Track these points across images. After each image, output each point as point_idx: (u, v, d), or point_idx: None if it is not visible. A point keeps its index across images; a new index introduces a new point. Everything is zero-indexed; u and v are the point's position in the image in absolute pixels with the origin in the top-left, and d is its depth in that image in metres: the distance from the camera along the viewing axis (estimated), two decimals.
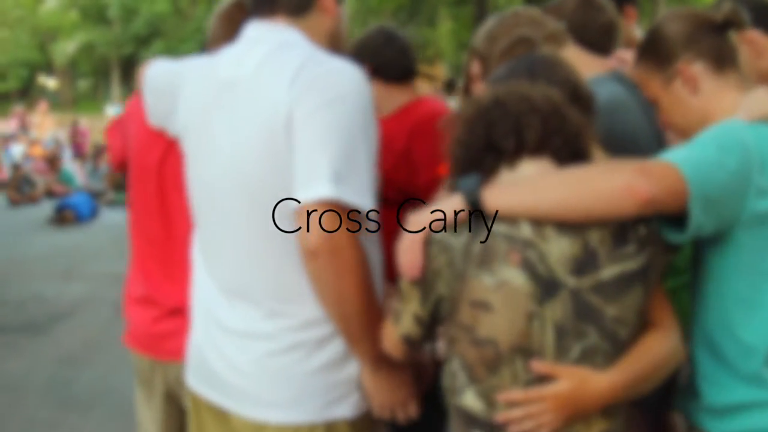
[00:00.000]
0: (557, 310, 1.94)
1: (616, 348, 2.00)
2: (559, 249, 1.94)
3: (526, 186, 1.96)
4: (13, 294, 9.95)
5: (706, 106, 2.32)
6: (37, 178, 19.96)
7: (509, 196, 1.94)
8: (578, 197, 1.91)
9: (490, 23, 2.91)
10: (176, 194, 2.80)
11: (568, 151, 2.03)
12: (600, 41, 3.16)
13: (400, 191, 3.71)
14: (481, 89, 4.11)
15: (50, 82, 50.67)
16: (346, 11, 2.59)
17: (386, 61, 3.76)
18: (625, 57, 2.96)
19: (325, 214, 2.12)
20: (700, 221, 1.97)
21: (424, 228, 1.98)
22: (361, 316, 2.21)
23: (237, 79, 2.33)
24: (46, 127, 31.87)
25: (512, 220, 1.94)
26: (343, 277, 2.15)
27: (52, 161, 20.92)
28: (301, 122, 2.17)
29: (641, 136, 2.78)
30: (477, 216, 1.95)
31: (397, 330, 2.13)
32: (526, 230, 1.94)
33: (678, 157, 1.99)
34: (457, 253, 1.96)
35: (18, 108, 33.28)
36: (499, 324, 1.94)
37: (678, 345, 2.09)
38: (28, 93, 53.83)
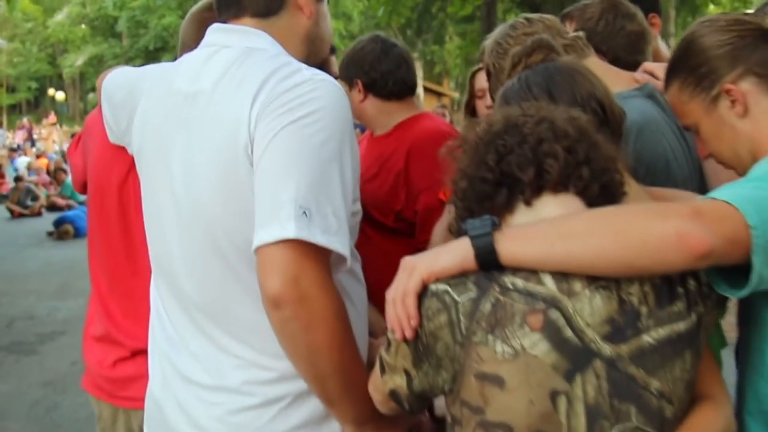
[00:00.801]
0: (589, 386, 1.55)
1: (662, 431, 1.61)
2: (591, 308, 1.56)
3: (550, 231, 1.58)
4: (3, 311, 9.68)
5: (758, 132, 1.95)
6: (39, 190, 19.73)
7: (529, 244, 1.57)
8: (618, 248, 1.54)
9: (498, 31, 2.60)
10: (141, 221, 2.46)
11: (598, 185, 1.68)
12: (627, 53, 2.80)
13: (398, 217, 3.43)
14: (486, 107, 3.87)
15: (59, 95, 50.79)
16: (327, 10, 2.28)
17: (383, 74, 3.47)
18: (652, 69, 2.61)
19: (289, 256, 1.81)
20: (763, 273, 1.60)
21: (421, 276, 1.63)
22: (337, 375, 1.89)
23: (195, 93, 2.03)
24: (53, 139, 31.78)
25: (531, 271, 1.58)
26: (314, 331, 1.84)
27: (56, 174, 20.69)
28: (264, 146, 1.87)
29: (675, 162, 2.43)
30: (488, 267, 1.60)
31: (384, 384, 1.79)
32: (549, 284, 1.57)
33: (735, 196, 1.61)
34: (462, 311, 1.58)
35: (25, 120, 33.20)
36: (514, 404, 1.55)
37: (731, 422, 1.73)
38: (37, 105, 54.09)
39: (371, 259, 3.44)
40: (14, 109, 49.95)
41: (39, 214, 19.03)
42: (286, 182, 1.83)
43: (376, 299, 3.48)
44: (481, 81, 3.81)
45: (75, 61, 47.61)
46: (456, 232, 1.77)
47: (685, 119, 2.09)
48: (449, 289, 1.60)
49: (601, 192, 1.68)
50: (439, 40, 32.61)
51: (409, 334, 1.63)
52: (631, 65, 2.77)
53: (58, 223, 15.65)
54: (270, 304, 1.82)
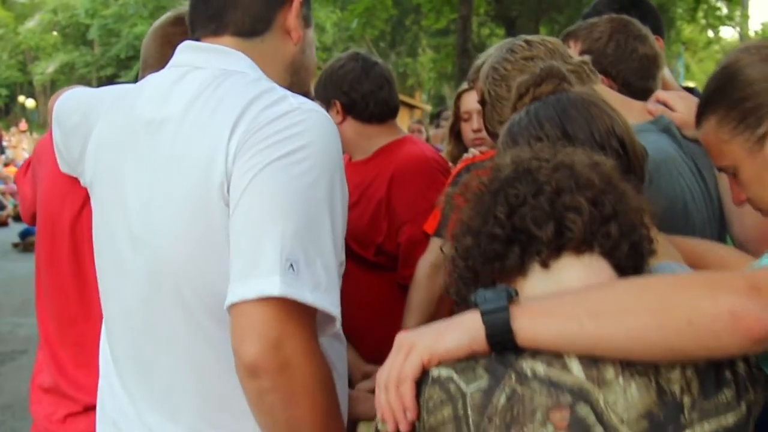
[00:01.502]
0: None
1: None
2: (625, 401, 1.30)
3: (578, 307, 1.31)
4: None
5: None
6: (7, 200, 19.34)
7: (553, 323, 1.31)
8: (659, 329, 1.28)
9: (495, 55, 2.36)
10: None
11: (627, 244, 1.44)
12: (639, 78, 2.57)
13: (379, 250, 3.21)
14: (472, 130, 3.64)
15: (29, 102, 50.36)
16: (314, 38, 2.05)
17: (363, 95, 3.25)
18: (666, 99, 2.36)
19: (271, 316, 1.56)
20: None
21: (421, 358, 1.37)
22: None
23: (161, 120, 1.78)
24: (22, 147, 31.35)
25: (555, 354, 1.32)
26: (295, 404, 1.59)
27: None
28: (244, 185, 1.62)
29: (694, 204, 2.21)
30: (503, 348, 1.34)
31: None
32: (576, 371, 1.31)
33: None
34: (471, 404, 1.32)
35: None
36: None
37: None
38: (8, 112, 53.75)
39: (349, 296, 3.18)
40: None
41: (5, 224, 18.65)
42: (269, 229, 1.58)
43: (354, 340, 3.28)
44: (467, 103, 3.59)
45: (46, 69, 47.23)
46: (456, 295, 1.52)
47: (722, 160, 1.87)
48: (455, 376, 1.34)
49: (630, 251, 1.44)
50: (412, 53, 32.52)
51: (404, 428, 1.36)
52: (642, 92, 2.55)
53: (24, 235, 15.27)
54: (246, 372, 1.57)
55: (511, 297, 1.33)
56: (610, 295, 1.32)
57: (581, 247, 1.41)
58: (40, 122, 50.65)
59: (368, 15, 22.36)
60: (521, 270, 1.43)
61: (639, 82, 2.56)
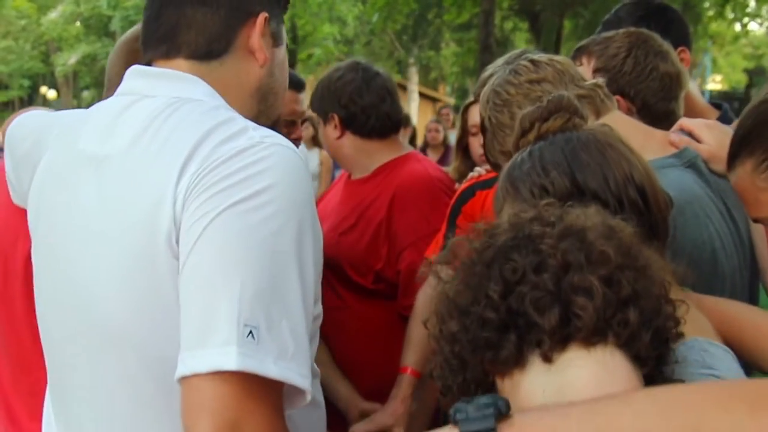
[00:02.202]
0: None
1: None
2: None
3: (583, 426, 1.02)
4: None
5: None
6: None
7: None
8: None
9: (497, 77, 2.10)
10: None
11: (649, 332, 1.17)
12: (659, 99, 2.32)
13: (378, 277, 2.98)
14: (480, 145, 3.38)
15: (51, 93, 50.49)
16: (286, 56, 1.80)
17: (363, 108, 3.02)
18: (692, 127, 2.09)
19: (227, 393, 1.33)
20: None
21: None
22: None
23: (104, 156, 1.55)
24: None
25: None
26: None
27: None
28: (196, 236, 1.39)
29: (723, 250, 1.94)
30: None
31: None
32: None
33: None
34: None
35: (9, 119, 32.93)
36: None
37: None
38: (30, 103, 54.10)
39: (346, 326, 3.00)
40: (7, 107, 49.84)
41: None
42: (224, 288, 1.35)
43: (351, 373, 3.04)
44: (474, 116, 3.35)
45: (68, 60, 47.20)
46: (439, 380, 1.28)
47: (758, 210, 1.63)
48: None
49: (653, 339, 1.17)
50: (435, 47, 32.23)
51: None
52: (663, 114, 2.30)
53: None
54: None
55: (500, 414, 1.03)
56: (626, 415, 1.02)
57: (592, 338, 1.14)
58: None
59: (389, 9, 22.08)
60: (518, 362, 1.16)
61: (660, 104, 2.31)
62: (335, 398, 2.92)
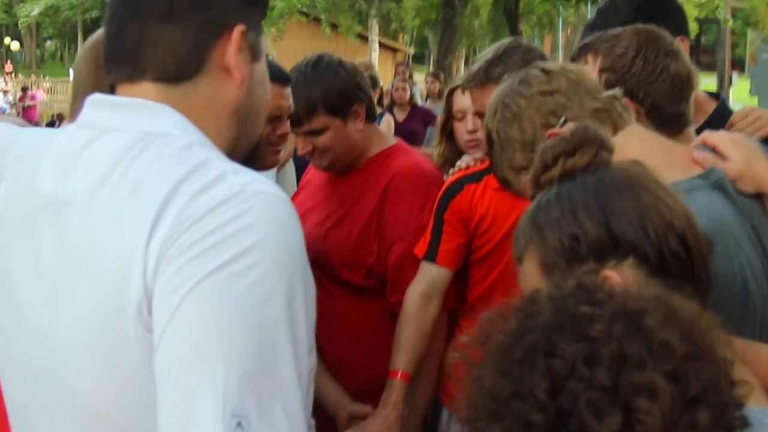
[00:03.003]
0: None
1: None
2: None
3: None
4: None
5: None
6: None
7: None
8: None
9: (506, 86, 1.96)
10: None
11: (720, 430, 1.03)
12: (670, 102, 2.18)
13: (369, 273, 2.87)
14: (467, 131, 3.26)
15: (14, 45, 49.80)
16: (266, 70, 1.63)
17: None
18: (716, 143, 1.92)
19: None
20: None
21: None
22: None
23: (63, 202, 1.37)
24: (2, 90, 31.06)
25: None
26: None
27: None
28: (171, 310, 1.22)
29: (753, 280, 1.81)
30: None
31: None
32: None
33: None
34: None
35: None
36: None
37: None
38: None
39: (334, 324, 2.88)
40: None
41: None
42: (208, 372, 1.19)
43: (340, 373, 2.91)
44: (460, 100, 3.20)
45: (31, 11, 46.35)
46: None
47: None
48: None
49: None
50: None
51: None
52: (672, 117, 2.18)
53: None
54: None
55: None
56: None
57: None
58: (25, 64, 50.50)
59: None
60: None
61: (670, 106, 2.18)
62: (323, 401, 2.82)
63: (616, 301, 1.08)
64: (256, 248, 1.23)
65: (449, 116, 3.34)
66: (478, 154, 2.89)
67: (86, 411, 1.34)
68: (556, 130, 1.85)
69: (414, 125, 9.23)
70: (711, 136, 1.93)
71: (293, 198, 3.15)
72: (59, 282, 1.34)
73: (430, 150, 3.65)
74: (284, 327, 1.24)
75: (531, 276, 1.43)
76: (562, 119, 1.87)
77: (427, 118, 9.27)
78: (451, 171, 2.94)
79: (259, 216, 1.26)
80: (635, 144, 1.85)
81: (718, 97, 2.72)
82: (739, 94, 28.24)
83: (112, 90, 1.48)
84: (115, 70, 1.46)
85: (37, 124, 20.48)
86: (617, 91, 1.94)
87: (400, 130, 8.76)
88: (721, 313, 1.47)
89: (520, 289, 1.48)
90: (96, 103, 1.45)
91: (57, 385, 1.36)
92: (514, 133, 1.91)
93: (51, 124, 20.94)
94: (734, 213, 1.81)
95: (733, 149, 1.86)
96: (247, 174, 1.31)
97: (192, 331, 1.20)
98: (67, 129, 1.50)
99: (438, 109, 10.03)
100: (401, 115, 9.48)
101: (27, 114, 23.34)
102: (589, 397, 0.99)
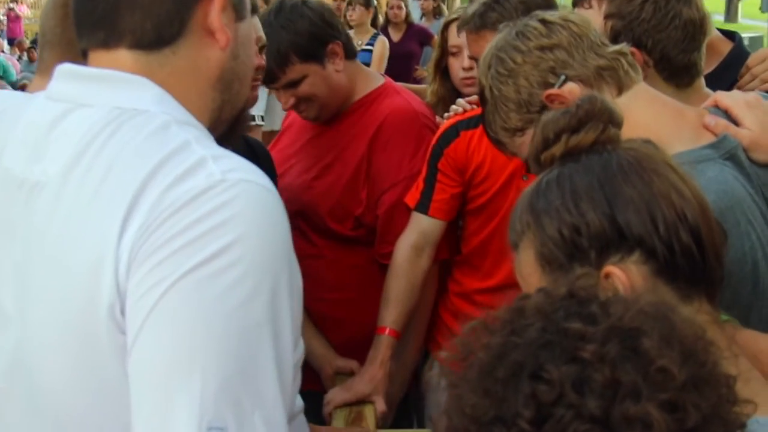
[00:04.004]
0: None
1: None
2: None
3: None
4: None
5: None
6: None
7: None
8: None
9: (501, 39, 1.81)
10: None
11: None
12: (681, 51, 2.06)
13: (358, 223, 2.76)
14: (463, 68, 3.09)
15: None
16: (251, 28, 1.48)
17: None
18: (729, 106, 1.77)
19: None
20: None
21: None
22: None
23: (33, 184, 1.26)
24: None
25: None
26: None
27: None
28: (143, 315, 1.13)
29: (764, 259, 1.68)
30: None
31: None
32: None
33: None
34: None
35: None
36: None
37: None
38: None
39: (320, 276, 2.77)
40: None
41: None
42: (183, 381, 1.11)
43: (326, 327, 2.80)
44: (455, 36, 3.03)
45: None
46: None
47: None
48: None
49: None
50: None
51: None
52: (683, 68, 2.07)
53: None
54: None
55: None
56: None
57: None
58: None
59: None
60: None
61: (681, 56, 2.05)
62: (308, 355, 2.70)
63: (611, 316, 0.96)
64: (237, 244, 1.14)
65: (443, 52, 3.17)
66: (475, 97, 2.73)
67: (58, 412, 1.26)
68: (554, 90, 1.74)
69: (410, 45, 9.00)
70: (725, 97, 1.79)
71: (276, 142, 3.01)
72: (31, 274, 1.25)
73: (423, 86, 3.51)
74: (267, 330, 1.16)
75: (527, 266, 1.32)
76: (562, 78, 1.74)
77: (424, 37, 9.05)
78: (446, 115, 2.78)
79: (241, 208, 1.16)
80: (642, 107, 1.73)
81: (734, 37, 2.57)
82: (749, 10, 27.79)
83: (84, 55, 1.37)
84: (88, 34, 1.35)
85: (21, 43, 20.18)
86: (624, 46, 1.79)
87: (396, 50, 8.54)
88: (729, 297, 1.42)
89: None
90: (67, 74, 1.34)
91: (29, 384, 1.27)
92: (509, 92, 1.78)
93: (35, 41, 20.55)
94: (746, 186, 1.68)
95: (747, 114, 1.72)
96: (228, 160, 1.22)
97: (167, 337, 1.13)
98: (36, 99, 1.38)
99: (432, 27, 9.83)
100: (396, 35, 9.17)
101: (12, 31, 22.92)
102: (578, 429, 0.88)
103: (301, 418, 1.48)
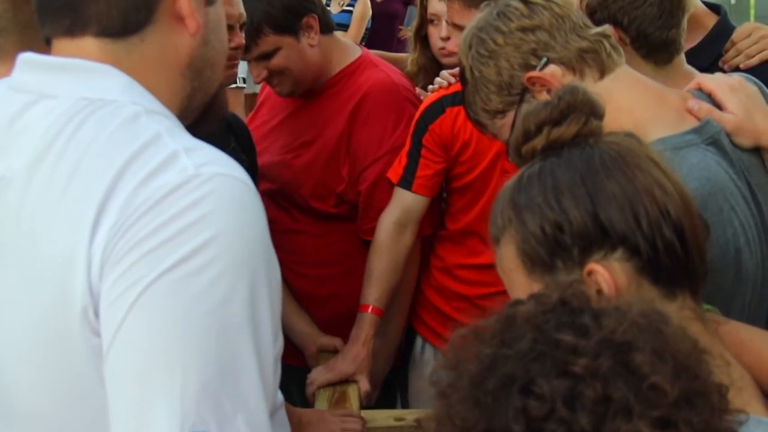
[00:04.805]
0: None
1: None
2: None
3: None
4: None
5: None
6: None
7: None
8: None
9: (482, 20, 1.77)
10: None
11: None
12: (658, 28, 2.02)
13: (340, 200, 2.73)
14: (441, 38, 3.02)
15: None
16: (222, 11, 1.43)
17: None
18: (713, 89, 1.74)
19: None
20: None
21: None
22: None
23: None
24: None
25: None
26: None
27: None
28: (119, 319, 1.09)
29: (747, 246, 1.66)
30: None
31: None
32: None
33: None
34: None
35: None
36: None
37: None
38: None
39: (302, 252, 2.77)
40: None
41: None
42: (162, 385, 1.08)
43: (310, 304, 2.78)
44: (435, 4, 2.97)
45: None
46: None
47: None
48: None
49: None
50: None
51: None
52: (661, 45, 2.04)
53: None
54: None
55: None
56: None
57: None
58: None
59: None
60: None
61: (658, 33, 2.02)
62: (291, 333, 2.70)
63: (603, 328, 0.94)
64: (213, 242, 1.11)
65: (423, 21, 3.11)
66: (458, 70, 2.67)
67: (20, 413, 1.23)
68: (536, 72, 1.70)
69: (393, 5, 8.81)
70: (708, 80, 1.76)
71: (254, 117, 2.95)
72: (5, 276, 1.20)
73: (403, 55, 3.45)
74: (246, 329, 1.13)
75: (508, 262, 1.29)
76: (544, 60, 1.71)
77: None
78: (430, 88, 2.73)
79: (216, 204, 1.13)
80: (624, 90, 1.70)
81: (719, 10, 2.51)
82: None
83: (47, 42, 1.32)
84: (51, 21, 1.30)
85: None
86: (607, 27, 1.76)
87: (379, 10, 8.38)
88: (712, 284, 1.39)
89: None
90: (29, 63, 1.30)
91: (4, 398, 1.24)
92: (490, 74, 1.74)
93: None
94: (729, 171, 1.66)
95: (731, 98, 1.69)
96: (201, 152, 1.18)
97: (143, 340, 1.09)
98: None
99: None
100: None
101: None
102: None
103: (282, 413, 1.44)
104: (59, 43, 1.29)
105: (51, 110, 1.21)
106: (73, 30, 1.26)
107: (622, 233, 1.20)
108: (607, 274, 1.18)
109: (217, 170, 1.15)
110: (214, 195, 1.12)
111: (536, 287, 1.20)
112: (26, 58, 1.30)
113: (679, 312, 1.20)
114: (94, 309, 1.11)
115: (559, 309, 0.98)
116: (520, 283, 1.26)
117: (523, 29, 1.71)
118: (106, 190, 1.11)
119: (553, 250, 1.22)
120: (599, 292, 1.16)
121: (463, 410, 0.94)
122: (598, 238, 1.21)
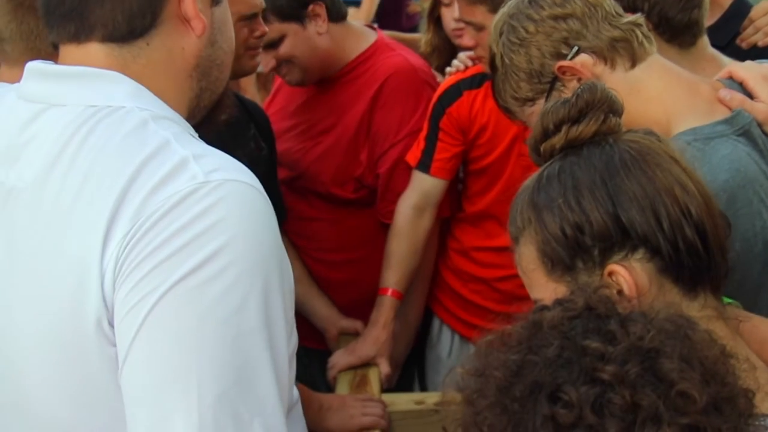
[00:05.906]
0: None
1: None
2: None
3: None
4: None
5: None
6: None
7: None
8: None
9: (513, 6, 1.76)
10: None
11: None
12: (679, 11, 2.01)
13: (359, 185, 2.72)
14: (454, 19, 2.99)
15: None
16: (224, 14, 1.40)
17: None
18: (745, 77, 1.72)
19: None
20: None
21: None
22: None
23: (10, 189, 1.22)
24: None
25: None
26: None
27: None
28: (134, 329, 1.10)
29: None
30: None
31: None
32: None
33: None
34: None
35: None
36: None
37: None
38: None
39: (321, 238, 2.78)
40: None
41: None
42: (180, 394, 1.09)
43: (331, 288, 2.78)
44: None
45: None
46: None
47: None
48: None
49: None
50: None
51: None
52: (684, 27, 2.03)
53: None
54: None
55: None
56: None
57: None
58: None
59: None
60: None
61: (680, 16, 2.01)
62: (312, 317, 2.72)
63: (630, 335, 0.95)
64: (225, 250, 1.12)
65: (436, 2, 3.10)
66: (472, 53, 2.66)
67: (37, 417, 1.24)
68: (567, 62, 1.70)
69: None
70: (740, 69, 1.75)
71: (271, 102, 2.94)
72: (13, 282, 1.21)
73: (416, 36, 3.44)
74: (261, 335, 1.14)
75: (528, 261, 1.30)
76: (575, 49, 1.70)
77: None
78: (447, 70, 2.73)
79: (227, 211, 1.14)
80: (655, 80, 1.69)
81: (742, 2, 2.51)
82: None
83: (55, 47, 1.33)
84: (57, 26, 1.30)
85: None
86: (639, 16, 1.75)
87: None
88: (739, 278, 1.42)
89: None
90: (37, 72, 1.30)
91: (10, 390, 1.25)
92: (520, 61, 1.73)
93: None
94: (760, 162, 1.65)
95: (764, 87, 1.68)
96: (210, 158, 1.18)
97: (159, 350, 1.11)
98: (7, 98, 1.34)
99: None
100: None
101: None
102: None
103: (298, 410, 1.46)
104: (66, 50, 1.30)
105: (59, 119, 1.22)
106: (79, 36, 1.27)
107: (643, 234, 1.20)
108: (628, 275, 1.19)
109: (226, 176, 1.16)
110: (224, 202, 1.13)
111: (556, 287, 1.22)
112: (33, 67, 1.30)
113: (700, 311, 1.21)
114: (108, 320, 1.12)
115: (585, 315, 0.99)
116: (539, 283, 1.27)
117: (555, 17, 1.70)
118: (117, 200, 1.12)
119: (574, 251, 1.23)
120: (620, 292, 1.17)
121: (490, 417, 0.96)
122: (619, 239, 1.21)
